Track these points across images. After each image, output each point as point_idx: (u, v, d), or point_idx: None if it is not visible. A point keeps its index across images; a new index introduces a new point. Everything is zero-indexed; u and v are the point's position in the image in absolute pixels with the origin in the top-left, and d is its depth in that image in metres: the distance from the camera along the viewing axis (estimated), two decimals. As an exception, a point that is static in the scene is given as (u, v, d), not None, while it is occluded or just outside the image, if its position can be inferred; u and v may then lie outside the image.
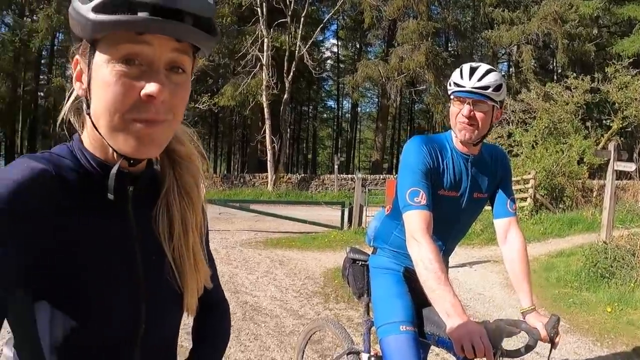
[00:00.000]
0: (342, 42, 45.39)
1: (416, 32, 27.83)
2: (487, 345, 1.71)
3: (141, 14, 0.76)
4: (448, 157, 2.21)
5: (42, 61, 37.39)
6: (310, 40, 25.97)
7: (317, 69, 27.01)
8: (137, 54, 0.80)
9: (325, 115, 52.93)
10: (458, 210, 2.28)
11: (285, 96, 25.90)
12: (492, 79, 2.07)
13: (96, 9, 0.76)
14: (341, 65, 45.92)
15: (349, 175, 27.82)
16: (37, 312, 0.83)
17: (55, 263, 0.81)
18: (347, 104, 50.58)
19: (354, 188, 23.82)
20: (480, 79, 2.07)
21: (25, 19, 32.54)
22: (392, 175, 28.55)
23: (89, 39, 0.81)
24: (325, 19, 28.17)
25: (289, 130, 32.85)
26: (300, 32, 25.18)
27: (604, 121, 24.67)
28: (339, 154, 32.28)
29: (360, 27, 35.04)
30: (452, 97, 2.16)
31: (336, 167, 27.11)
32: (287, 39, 25.26)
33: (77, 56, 0.87)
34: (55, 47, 37.82)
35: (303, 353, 3.39)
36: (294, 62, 25.57)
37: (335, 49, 46.17)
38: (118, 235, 0.91)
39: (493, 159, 2.33)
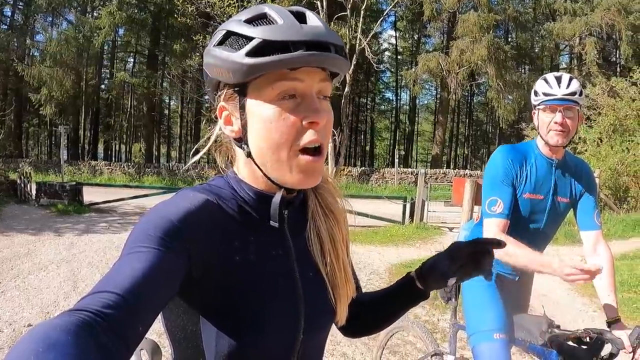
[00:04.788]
0: (400, 33, 44.95)
1: (477, 25, 27.47)
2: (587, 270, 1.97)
3: (297, 52, 0.83)
4: (532, 162, 2.32)
5: (104, 56, 38.49)
6: (371, 33, 25.78)
7: (377, 61, 26.87)
8: (292, 89, 0.87)
9: (382, 107, 52.43)
10: (542, 213, 2.36)
11: (347, 89, 25.81)
12: (576, 85, 2.19)
13: (251, 54, 0.83)
14: (399, 57, 45.56)
15: (409, 169, 27.63)
16: (204, 327, 0.90)
17: (220, 280, 0.88)
18: (405, 96, 49.97)
19: (414, 182, 23.83)
20: (567, 86, 2.18)
21: (87, 15, 33.58)
22: (452, 170, 28.26)
23: (241, 82, 0.88)
24: (386, 12, 27.80)
25: (347, 122, 32.86)
26: (360, 25, 25.03)
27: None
28: (398, 147, 32.07)
29: (419, 19, 34.64)
30: (540, 106, 2.25)
31: (397, 160, 27.01)
32: (347, 32, 25.14)
33: (221, 103, 0.94)
34: (117, 42, 38.93)
35: (383, 350, 3.48)
36: (354, 56, 25.51)
37: (393, 41, 45.71)
38: (279, 254, 0.97)
39: (578, 167, 2.42)
